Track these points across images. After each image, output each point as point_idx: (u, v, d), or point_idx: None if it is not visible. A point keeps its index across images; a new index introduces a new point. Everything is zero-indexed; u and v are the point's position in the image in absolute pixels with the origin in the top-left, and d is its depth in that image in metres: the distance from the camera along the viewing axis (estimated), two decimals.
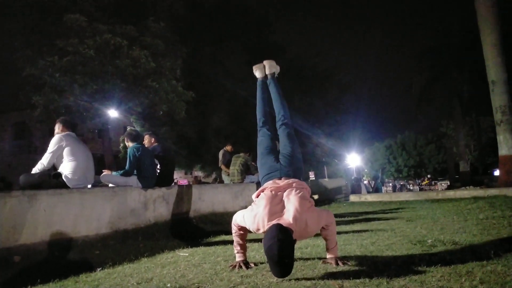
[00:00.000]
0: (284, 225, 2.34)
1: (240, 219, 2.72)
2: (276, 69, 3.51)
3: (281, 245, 2.18)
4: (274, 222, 2.39)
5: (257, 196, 2.77)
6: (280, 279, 2.35)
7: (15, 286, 2.67)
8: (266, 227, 2.40)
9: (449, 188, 21.93)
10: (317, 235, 3.97)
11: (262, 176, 2.96)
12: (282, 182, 2.75)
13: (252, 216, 2.55)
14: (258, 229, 2.50)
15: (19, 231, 3.59)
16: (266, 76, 3.51)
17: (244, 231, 2.81)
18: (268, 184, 2.78)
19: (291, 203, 2.51)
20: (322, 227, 2.67)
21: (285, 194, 2.62)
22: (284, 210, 2.50)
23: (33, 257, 3.47)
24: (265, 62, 3.50)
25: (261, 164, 3.05)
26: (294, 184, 2.70)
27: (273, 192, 2.66)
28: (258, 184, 6.86)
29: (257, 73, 3.53)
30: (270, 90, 3.44)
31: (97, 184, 5.70)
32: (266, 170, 2.95)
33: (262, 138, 3.22)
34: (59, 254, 3.70)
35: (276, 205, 2.53)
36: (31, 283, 2.73)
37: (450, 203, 7.88)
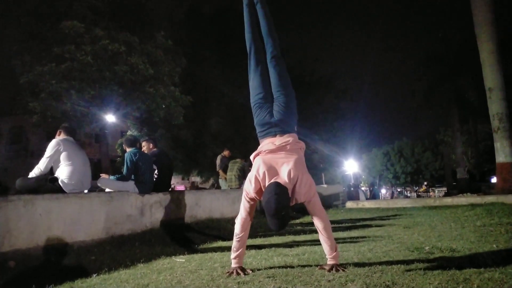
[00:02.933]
0: (281, 183, 2.55)
1: (247, 185, 2.79)
2: None
3: (278, 199, 2.41)
4: (272, 181, 2.57)
5: (253, 160, 2.87)
6: (277, 285, 2.33)
7: None
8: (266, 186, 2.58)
9: (447, 195, 21.95)
10: (314, 241, 3.97)
11: (258, 132, 2.98)
12: (278, 141, 2.81)
13: (252, 180, 2.71)
14: (261, 191, 2.66)
15: (15, 236, 3.56)
16: None
17: (246, 234, 2.88)
18: (264, 146, 2.85)
19: (286, 163, 2.67)
20: (315, 222, 2.74)
21: (280, 157, 2.74)
22: (280, 170, 2.66)
23: (28, 262, 3.44)
24: None
25: (255, 115, 3.01)
26: (288, 146, 2.78)
27: (268, 155, 2.77)
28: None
29: None
30: (258, 12, 3.16)
31: (94, 188, 5.67)
32: (260, 127, 2.97)
33: (253, 77, 3.06)
34: (54, 259, 3.67)
35: (272, 167, 2.67)
36: None
37: (448, 210, 7.88)
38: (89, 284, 2.84)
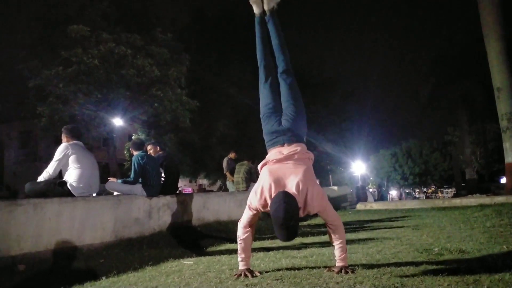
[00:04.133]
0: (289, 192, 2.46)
1: (252, 196, 2.71)
2: (276, 0, 3.15)
3: (286, 207, 2.30)
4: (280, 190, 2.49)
5: (261, 169, 2.81)
6: (287, 286, 2.33)
7: None
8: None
9: (455, 195, 21.78)
10: (323, 243, 3.96)
11: (266, 141, 2.95)
12: (286, 150, 2.75)
13: (258, 191, 2.61)
14: (266, 205, 2.56)
15: (24, 240, 3.59)
16: (264, 12, 3.17)
17: (250, 234, 2.82)
18: (271, 156, 2.78)
19: (294, 174, 2.58)
20: (328, 227, 2.70)
21: (288, 166, 2.65)
22: (288, 181, 2.56)
23: (38, 265, 3.46)
24: None
25: (264, 126, 3.00)
26: (296, 156, 2.71)
27: (276, 165, 2.70)
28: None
29: (254, 8, 3.17)
30: (269, 29, 3.17)
31: (102, 192, 5.70)
32: (269, 135, 2.92)
33: (263, 91, 3.09)
34: (64, 263, 3.69)
35: (280, 178, 2.59)
36: None
37: (457, 211, 7.82)
38: (98, 287, 2.85)
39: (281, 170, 2.64)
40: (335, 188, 13.60)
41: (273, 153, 2.79)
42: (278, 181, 2.57)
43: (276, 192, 2.50)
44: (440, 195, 35.14)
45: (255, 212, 2.73)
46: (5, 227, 3.45)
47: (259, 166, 2.85)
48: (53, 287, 2.84)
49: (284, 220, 2.28)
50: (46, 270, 3.44)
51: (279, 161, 2.71)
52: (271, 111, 2.98)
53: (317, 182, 2.69)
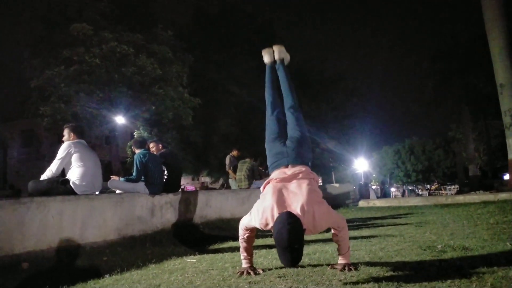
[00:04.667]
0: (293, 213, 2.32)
1: (247, 220, 2.68)
2: (286, 56, 3.43)
3: (290, 229, 2.16)
4: (283, 211, 2.35)
5: (263, 189, 2.71)
6: (288, 285, 2.33)
7: None
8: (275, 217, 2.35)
9: (459, 192, 21.74)
10: (325, 240, 3.95)
11: (270, 164, 2.90)
12: (290, 170, 2.69)
13: (260, 210, 2.49)
14: (267, 224, 2.43)
15: (28, 238, 3.60)
16: (274, 61, 3.42)
17: (252, 233, 2.77)
18: (275, 175, 2.72)
19: (299, 194, 2.46)
20: (334, 232, 2.64)
21: (292, 185, 2.56)
22: (292, 201, 2.43)
23: (41, 263, 3.48)
24: (275, 47, 3.42)
25: (269, 150, 2.99)
26: (300, 175, 2.64)
27: (279, 183, 2.60)
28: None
29: (266, 58, 3.43)
30: (279, 74, 3.36)
31: (105, 190, 5.72)
32: (273, 157, 2.89)
33: (269, 122, 3.13)
34: (67, 261, 3.71)
35: (283, 197, 2.47)
36: None
37: (460, 208, 7.80)
38: (102, 285, 2.86)
39: (284, 189, 2.54)
40: (336, 185, 13.58)
41: (276, 173, 2.74)
42: (282, 201, 2.44)
43: (279, 212, 2.35)
44: (443, 192, 35.07)
45: (254, 227, 2.69)
46: (9, 225, 3.47)
47: (262, 186, 2.76)
48: (56, 285, 2.84)
49: (288, 242, 2.15)
50: (49, 268, 3.45)
51: (283, 180, 2.63)
52: (276, 136, 3.00)
53: (323, 201, 2.56)
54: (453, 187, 35.34)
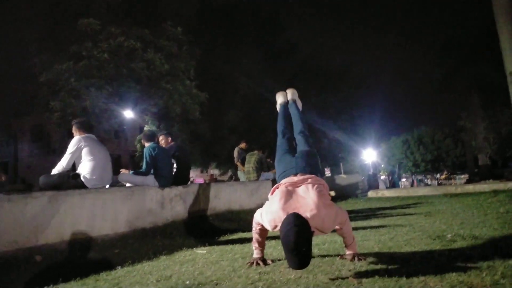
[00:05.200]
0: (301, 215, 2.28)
1: (258, 217, 2.68)
2: (298, 100, 3.72)
3: (298, 231, 2.11)
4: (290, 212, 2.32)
5: (272, 193, 2.70)
6: (298, 275, 2.34)
7: (37, 285, 2.73)
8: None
9: (468, 182, 21.59)
10: (334, 232, 3.96)
11: (279, 174, 2.91)
12: (298, 178, 2.69)
13: (268, 213, 2.48)
14: (275, 226, 2.41)
15: (40, 231, 3.66)
16: (287, 101, 3.70)
17: (264, 228, 2.76)
18: (283, 181, 2.72)
19: (309, 198, 2.42)
20: (337, 227, 2.63)
21: (301, 189, 2.54)
22: (300, 205, 2.39)
23: (54, 256, 3.53)
24: (288, 90, 3.73)
25: (278, 162, 3.04)
26: (309, 180, 2.62)
27: (288, 187, 2.59)
28: (274, 181, 6.86)
29: (280, 99, 3.71)
30: (291, 110, 3.59)
31: (115, 184, 5.77)
32: (282, 168, 2.91)
33: (280, 143, 3.24)
34: (79, 253, 3.76)
35: (291, 200, 2.44)
36: (53, 282, 2.78)
37: (470, 197, 7.76)
38: (114, 276, 2.90)
39: (293, 192, 2.52)
40: (344, 176, 13.55)
41: (285, 179, 2.73)
42: (290, 204, 2.41)
43: (288, 213, 2.32)
44: (453, 181, 34.83)
45: (260, 228, 2.72)
46: (21, 219, 3.52)
47: (270, 191, 2.75)
48: (69, 277, 2.89)
49: (296, 245, 2.08)
50: (62, 260, 3.50)
51: (291, 184, 2.62)
52: (286, 151, 3.09)
53: (332, 203, 2.52)
54: (462, 176, 35.07)
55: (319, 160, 3.08)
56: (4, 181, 5.10)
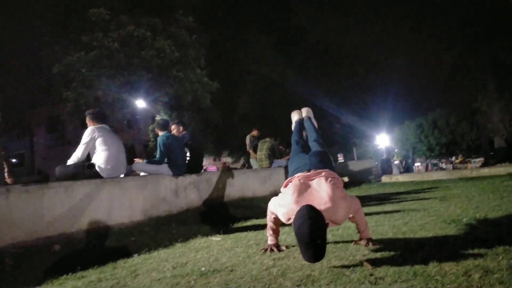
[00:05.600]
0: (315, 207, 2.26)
1: (273, 207, 2.67)
2: (312, 116, 3.86)
3: (312, 223, 2.07)
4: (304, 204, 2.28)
5: (285, 186, 2.67)
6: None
7: (56, 273, 2.79)
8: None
9: (484, 165, 21.32)
10: None
11: (291, 171, 2.87)
12: (311, 172, 2.66)
13: (282, 206, 2.47)
14: (289, 219, 2.40)
15: (58, 221, 3.73)
16: (302, 118, 3.85)
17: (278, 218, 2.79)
18: (297, 174, 2.69)
19: (323, 190, 2.39)
20: (351, 216, 2.63)
21: (314, 182, 2.51)
22: (314, 198, 2.35)
23: (72, 245, 3.60)
24: (303, 109, 3.90)
25: (291, 162, 3.02)
26: (323, 173, 2.59)
27: (301, 180, 2.55)
28: (287, 168, 6.90)
29: (295, 117, 3.87)
30: (305, 125, 3.74)
31: (130, 173, 5.83)
32: (295, 165, 2.88)
33: (294, 149, 3.34)
34: (96, 242, 3.83)
35: (305, 192, 2.41)
36: (72, 270, 2.84)
37: (485, 181, 7.67)
38: (131, 264, 2.96)
39: (307, 185, 2.49)
40: (355, 161, 13.47)
41: (299, 173, 2.70)
42: (303, 196, 2.38)
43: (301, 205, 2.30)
44: (469, 165, 34.37)
45: (274, 217, 2.71)
46: (39, 209, 3.59)
47: (282, 186, 2.72)
48: (87, 265, 2.95)
49: (310, 238, 2.05)
50: (80, 249, 3.57)
51: (305, 177, 2.59)
52: (300, 151, 3.16)
53: (346, 195, 2.48)
54: (478, 159, 34.60)
55: (332, 161, 3.07)
56: (10, 183, 5.18)
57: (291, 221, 2.34)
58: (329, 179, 2.51)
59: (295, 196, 2.39)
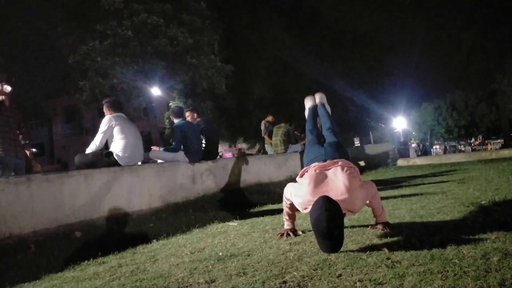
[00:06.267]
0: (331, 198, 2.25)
1: (289, 195, 2.68)
2: (326, 102, 3.75)
3: (329, 215, 2.07)
4: (321, 195, 2.27)
5: (301, 176, 2.66)
6: None
7: (78, 259, 2.86)
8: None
9: (503, 147, 20.92)
10: None
11: (307, 162, 2.86)
12: (328, 162, 2.64)
13: (298, 196, 2.48)
14: (306, 208, 2.41)
15: (78, 208, 3.81)
16: (315, 105, 3.74)
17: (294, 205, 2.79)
18: (313, 164, 2.67)
19: (339, 180, 2.37)
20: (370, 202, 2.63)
21: (331, 172, 2.49)
22: (330, 188, 2.35)
23: (92, 232, 3.68)
24: (316, 95, 3.77)
25: (306, 154, 3.03)
26: (340, 163, 2.56)
27: (317, 170, 2.53)
28: (302, 153, 6.88)
29: (309, 103, 3.75)
30: (319, 111, 3.64)
31: (147, 161, 5.90)
32: (310, 156, 2.87)
33: (309, 139, 3.28)
34: (116, 228, 3.90)
35: (321, 183, 2.40)
36: (93, 256, 2.91)
37: (505, 163, 7.54)
38: (150, 249, 3.01)
39: (323, 175, 2.47)
40: (372, 145, 13.33)
41: (315, 163, 2.68)
42: (320, 187, 2.37)
43: (318, 195, 2.29)
44: (489, 146, 33.71)
45: (290, 205, 2.72)
46: (59, 197, 3.67)
47: (298, 176, 2.72)
48: (108, 251, 3.02)
49: (328, 230, 2.06)
50: (100, 235, 3.65)
51: (321, 167, 2.56)
52: (315, 142, 3.09)
53: (362, 184, 2.48)
54: (497, 141, 33.97)
55: (348, 151, 3.04)
56: (38, 170, 5.33)
57: (307, 210, 2.36)
58: (345, 168, 2.49)
59: (311, 187, 2.38)
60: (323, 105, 3.68)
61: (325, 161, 2.67)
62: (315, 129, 3.40)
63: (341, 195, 2.28)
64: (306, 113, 3.70)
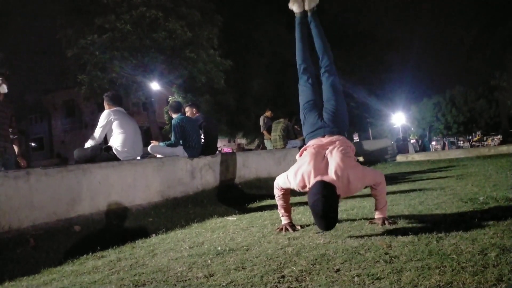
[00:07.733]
0: (327, 181, 2.38)
1: (282, 181, 2.74)
2: (316, 1, 3.16)
3: (325, 201, 2.26)
4: (318, 179, 2.40)
5: (300, 155, 2.78)
6: (327, 240, 2.38)
7: (77, 253, 2.87)
8: (312, 183, 2.42)
9: (502, 143, 20.94)
10: (363, 196, 3.96)
11: (306, 133, 2.97)
12: (326, 139, 2.75)
13: (297, 173, 2.55)
14: (304, 186, 2.50)
15: (78, 203, 3.81)
16: (305, 12, 3.17)
17: (287, 193, 2.84)
18: (311, 142, 2.79)
19: (333, 159, 2.50)
20: (371, 187, 2.65)
21: (327, 151, 2.61)
22: (328, 167, 2.49)
23: (92, 226, 3.69)
24: None
25: (304, 119, 3.04)
26: (337, 142, 2.68)
27: (316, 149, 2.65)
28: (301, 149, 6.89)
29: (295, 7, 3.17)
30: (312, 29, 3.19)
31: (146, 155, 5.91)
32: (309, 127, 2.94)
33: (303, 89, 3.13)
34: (115, 223, 3.91)
35: (320, 162, 2.52)
36: (92, 250, 2.91)
37: (503, 159, 7.55)
38: (149, 244, 3.02)
39: (321, 155, 2.58)
40: (371, 140, 13.34)
41: (313, 141, 2.79)
42: (318, 166, 2.49)
43: (315, 178, 2.42)
44: (489, 142, 33.71)
45: (289, 188, 2.74)
46: (59, 191, 3.67)
47: (297, 154, 2.81)
48: (107, 245, 3.03)
49: (323, 213, 2.27)
50: (100, 230, 3.65)
51: (319, 146, 2.68)
52: (312, 106, 3.01)
53: (357, 164, 2.58)
54: (496, 137, 34.02)
55: (346, 114, 3.03)
56: (23, 167, 5.30)
57: (306, 189, 2.48)
58: (341, 148, 2.60)
59: (312, 165, 2.50)
60: (314, 14, 3.15)
61: (323, 136, 2.79)
62: (308, 70, 3.10)
63: (335, 175, 2.42)
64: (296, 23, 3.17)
